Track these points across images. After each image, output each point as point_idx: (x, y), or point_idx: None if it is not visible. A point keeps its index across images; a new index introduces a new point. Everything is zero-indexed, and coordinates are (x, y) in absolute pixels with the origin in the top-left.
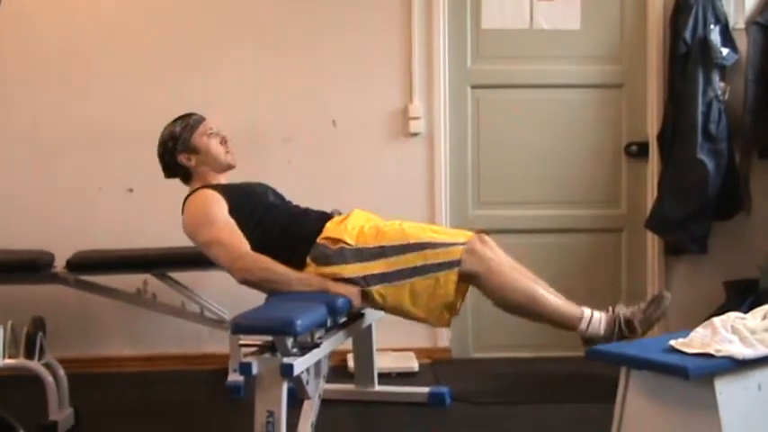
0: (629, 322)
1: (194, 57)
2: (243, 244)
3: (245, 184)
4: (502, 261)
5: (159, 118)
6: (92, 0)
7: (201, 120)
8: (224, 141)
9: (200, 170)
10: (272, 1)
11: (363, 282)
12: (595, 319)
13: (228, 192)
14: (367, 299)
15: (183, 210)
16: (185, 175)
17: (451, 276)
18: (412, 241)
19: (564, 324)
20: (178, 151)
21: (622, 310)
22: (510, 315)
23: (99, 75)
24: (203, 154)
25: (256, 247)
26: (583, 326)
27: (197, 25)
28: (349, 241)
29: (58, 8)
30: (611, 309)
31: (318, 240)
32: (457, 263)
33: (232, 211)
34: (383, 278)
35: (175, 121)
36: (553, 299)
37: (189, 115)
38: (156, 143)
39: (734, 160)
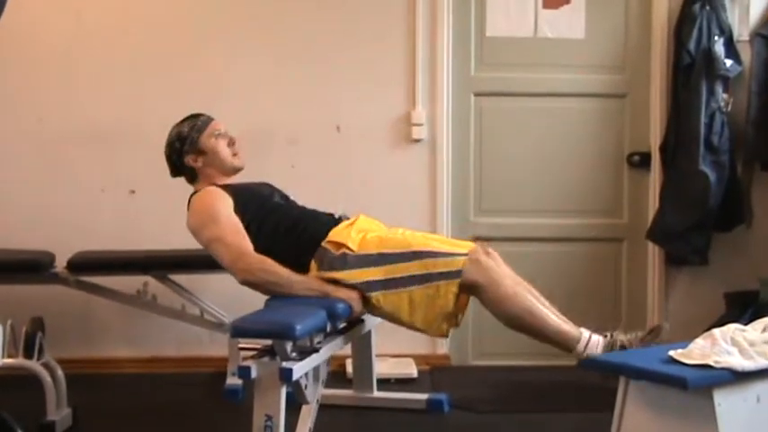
0: (625, 350)
1: (199, 59)
2: (246, 243)
3: (251, 184)
4: (505, 274)
5: (163, 120)
6: None
7: (209, 120)
8: (231, 143)
9: (206, 171)
10: (278, 6)
11: (364, 288)
12: (593, 342)
13: (234, 191)
14: (367, 305)
15: (188, 207)
16: (192, 175)
17: (451, 287)
18: (414, 249)
19: (561, 344)
20: (185, 152)
21: (620, 337)
22: None
23: (102, 76)
24: (210, 155)
25: (260, 246)
26: (580, 347)
27: (203, 28)
28: (352, 247)
29: (62, 7)
30: (609, 334)
31: (323, 244)
32: (458, 273)
33: (237, 210)
34: (383, 285)
35: (183, 121)
36: (553, 318)
37: (197, 116)
38: (161, 145)
39: (736, 172)
